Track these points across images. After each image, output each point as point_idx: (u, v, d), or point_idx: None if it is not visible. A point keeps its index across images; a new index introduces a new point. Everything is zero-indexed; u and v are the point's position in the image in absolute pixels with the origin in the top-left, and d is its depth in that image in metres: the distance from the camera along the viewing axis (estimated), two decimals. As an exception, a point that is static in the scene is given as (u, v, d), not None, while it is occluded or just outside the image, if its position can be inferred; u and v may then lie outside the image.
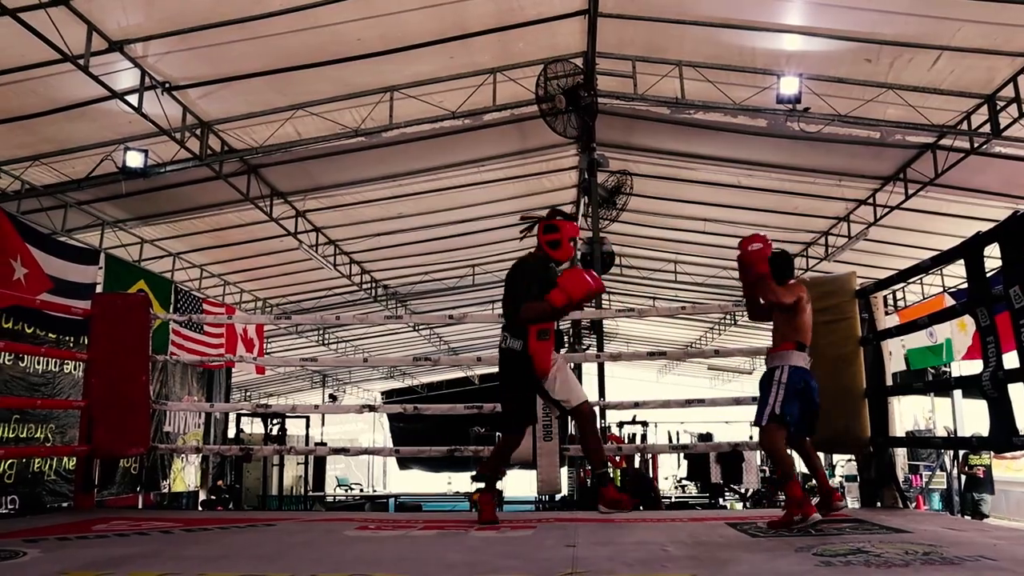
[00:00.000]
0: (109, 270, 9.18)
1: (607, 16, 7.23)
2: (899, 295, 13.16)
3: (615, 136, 9.36)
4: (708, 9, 6.89)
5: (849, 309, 4.29)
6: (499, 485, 4.69)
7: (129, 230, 10.23)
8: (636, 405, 5.72)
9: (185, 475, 12.05)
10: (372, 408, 6.45)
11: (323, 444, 15.95)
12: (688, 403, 5.29)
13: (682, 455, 13.64)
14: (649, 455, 11.08)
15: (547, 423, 4.54)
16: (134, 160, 7.61)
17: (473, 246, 12.93)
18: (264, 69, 7.11)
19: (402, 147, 8.94)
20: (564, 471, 10.01)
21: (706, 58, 7.52)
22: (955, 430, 11.23)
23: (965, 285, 7.26)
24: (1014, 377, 3.15)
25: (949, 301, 9.99)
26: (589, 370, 7.04)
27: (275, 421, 12.79)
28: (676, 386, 22.85)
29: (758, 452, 11.89)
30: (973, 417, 10.64)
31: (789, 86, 7.26)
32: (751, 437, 13.05)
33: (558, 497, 10.20)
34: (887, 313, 5.43)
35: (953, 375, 10.91)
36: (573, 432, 4.69)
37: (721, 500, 12.96)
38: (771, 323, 3.63)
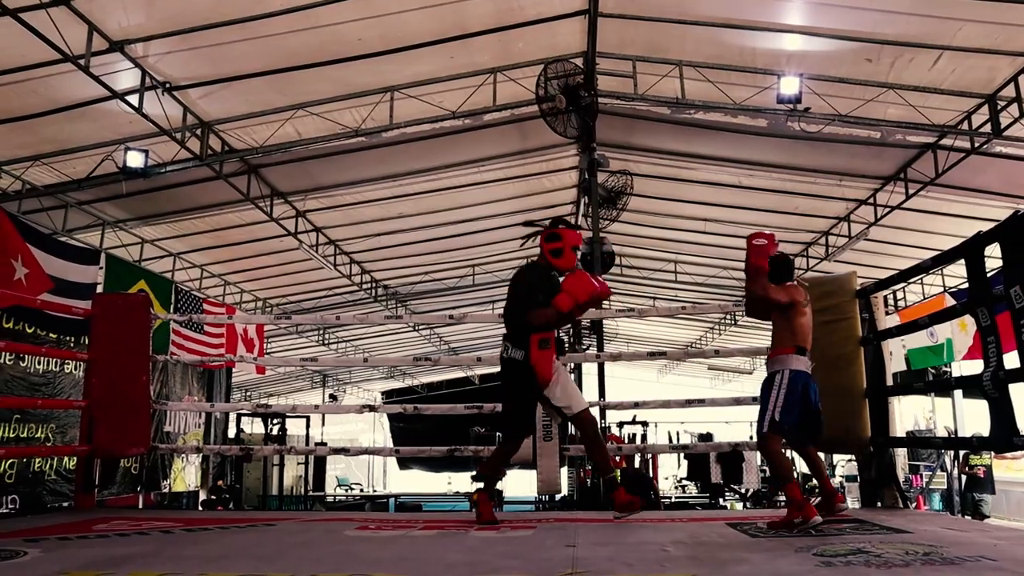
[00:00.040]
0: (110, 270, 9.19)
1: (607, 16, 7.23)
2: (899, 295, 13.15)
3: (615, 136, 9.36)
4: (709, 9, 6.89)
5: (849, 309, 4.29)
6: (499, 485, 4.70)
7: (129, 230, 10.23)
8: (636, 405, 5.71)
9: (185, 475, 12.06)
10: (372, 408, 6.45)
11: (323, 444, 15.94)
12: (688, 403, 5.29)
13: (682, 455, 13.64)
14: (649, 455, 11.07)
15: (547, 423, 4.54)
16: (134, 160, 7.61)
17: (473, 246, 12.94)
18: (264, 69, 7.11)
19: (402, 147, 8.94)
20: (564, 471, 10.01)
21: (706, 58, 7.52)
22: (955, 430, 11.23)
23: (966, 285, 7.27)
24: (1015, 377, 3.15)
25: (950, 301, 9.98)
26: (589, 370, 7.05)
27: (275, 421, 12.79)
28: (676, 386, 22.84)
29: (758, 452, 11.90)
30: (974, 417, 10.64)
31: (789, 86, 7.25)
32: (751, 437, 13.03)
33: (558, 497, 10.20)
34: (887, 313, 5.43)
35: (954, 375, 10.91)
36: (573, 433, 4.69)
37: (721, 500, 12.95)
38: (769, 323, 3.63)
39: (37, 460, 8.13)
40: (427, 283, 14.57)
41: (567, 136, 7.93)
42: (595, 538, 3.17)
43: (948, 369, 11.45)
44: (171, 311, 10.09)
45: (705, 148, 9.48)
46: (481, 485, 3.97)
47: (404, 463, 23.60)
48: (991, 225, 3.42)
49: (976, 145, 7.86)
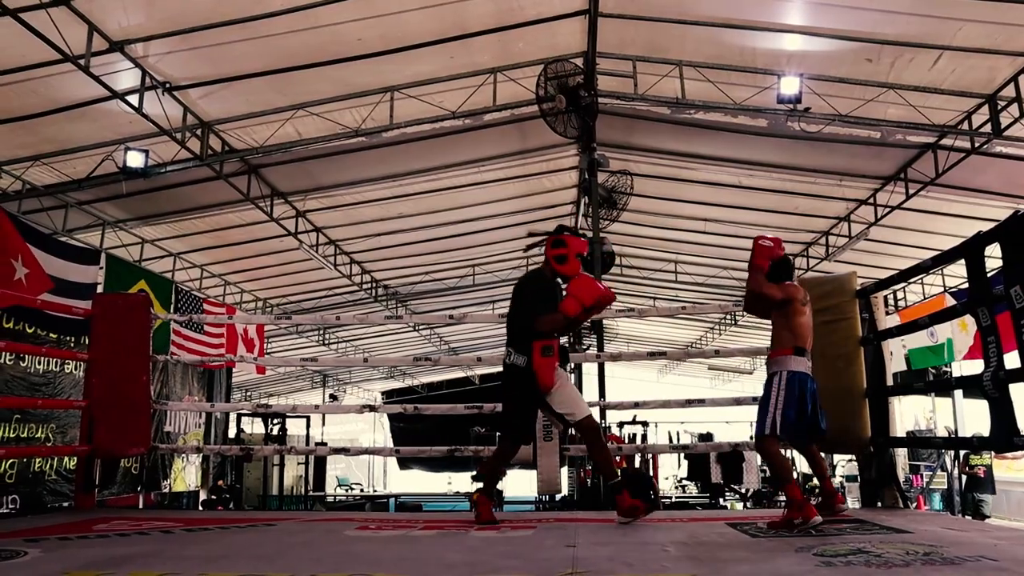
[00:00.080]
0: (110, 270, 9.19)
1: (607, 16, 7.23)
2: (900, 295, 13.15)
3: (615, 136, 9.36)
4: (709, 9, 6.89)
5: (850, 309, 4.29)
6: (499, 485, 4.69)
7: (130, 230, 10.23)
8: (636, 405, 5.71)
9: (186, 475, 12.06)
10: (372, 408, 6.45)
11: (323, 444, 15.95)
12: (688, 403, 5.29)
13: (682, 455, 13.64)
14: (649, 455, 11.07)
15: (547, 423, 4.54)
16: (135, 160, 7.61)
17: (473, 246, 12.94)
18: (265, 69, 7.11)
19: (402, 147, 8.94)
20: (564, 471, 10.00)
21: (707, 58, 7.52)
22: (956, 430, 11.23)
23: (966, 285, 7.27)
24: (1015, 377, 3.15)
25: (950, 301, 9.98)
26: (589, 370, 7.04)
27: (275, 421, 12.79)
28: (676, 386, 22.85)
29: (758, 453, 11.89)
30: (974, 417, 10.64)
31: (790, 86, 7.25)
32: (751, 437, 13.00)
33: (558, 497, 10.20)
34: (888, 313, 5.43)
35: (954, 375, 10.91)
36: (573, 433, 4.69)
37: (721, 500, 12.96)
38: (768, 323, 3.63)
39: (37, 460, 8.13)
40: (427, 283, 14.57)
41: (567, 136, 7.92)
42: (595, 538, 3.17)
43: (948, 369, 11.45)
44: (171, 311, 10.10)
45: (705, 148, 9.48)
46: (481, 485, 3.98)
47: (404, 463, 23.60)
48: (991, 225, 3.42)
49: (976, 145, 7.86)
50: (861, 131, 8.27)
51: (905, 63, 7.02)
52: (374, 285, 14.28)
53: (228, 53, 6.72)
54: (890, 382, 4.37)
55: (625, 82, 7.83)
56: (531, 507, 11.10)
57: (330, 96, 7.75)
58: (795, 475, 3.70)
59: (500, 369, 3.89)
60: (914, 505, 9.42)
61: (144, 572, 2.50)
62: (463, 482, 18.09)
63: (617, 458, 8.53)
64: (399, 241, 12.25)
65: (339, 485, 19.85)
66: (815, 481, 11.59)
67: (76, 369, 8.37)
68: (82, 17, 5.90)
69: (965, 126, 7.66)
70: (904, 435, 6.03)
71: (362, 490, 20.59)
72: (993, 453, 9.53)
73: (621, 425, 13.47)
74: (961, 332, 10.43)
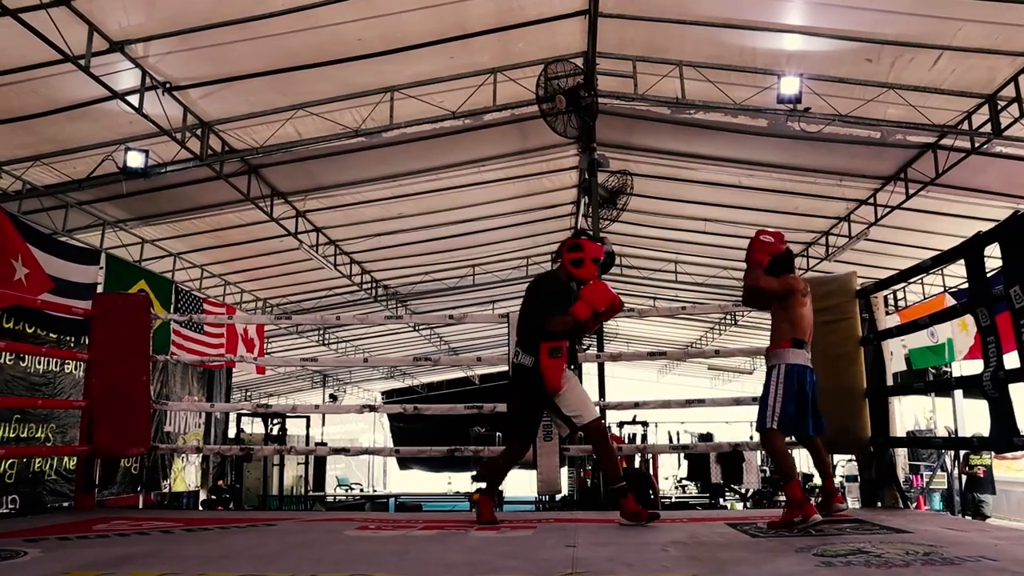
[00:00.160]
0: (110, 270, 9.19)
1: (607, 16, 7.23)
2: (900, 295, 13.15)
3: (615, 136, 9.36)
4: (709, 9, 6.89)
5: (849, 309, 4.29)
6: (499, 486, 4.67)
7: (130, 230, 10.24)
8: (636, 405, 5.72)
9: (185, 475, 12.06)
10: (372, 408, 6.45)
11: (323, 444, 15.95)
12: (688, 403, 5.29)
13: (682, 455, 13.64)
14: (649, 455, 11.07)
15: (547, 423, 4.54)
16: (135, 160, 7.61)
17: (473, 246, 12.94)
18: (265, 69, 7.11)
19: (402, 147, 8.94)
20: (564, 471, 10.00)
21: (706, 58, 7.51)
22: (956, 430, 11.22)
23: (966, 285, 7.26)
24: (1015, 377, 3.15)
25: (950, 301, 9.98)
26: (589, 370, 7.03)
27: (275, 421, 12.79)
28: (676, 386, 22.85)
29: (758, 452, 11.90)
30: (974, 417, 10.63)
31: (790, 86, 7.25)
32: (751, 437, 13.02)
33: (558, 497, 10.21)
34: (888, 313, 5.43)
35: (954, 375, 10.91)
36: (580, 435, 4.69)
37: (721, 500, 12.96)
38: (767, 318, 3.62)
39: (37, 460, 8.13)
40: (427, 283, 14.57)
41: (567, 136, 7.93)
42: (595, 538, 3.17)
43: (948, 369, 11.45)
44: (171, 311, 10.10)
45: (705, 148, 9.48)
46: (482, 485, 3.97)
47: (404, 463, 23.60)
48: (991, 225, 3.42)
49: (976, 145, 7.86)
50: (861, 131, 8.27)
51: (905, 63, 7.02)
52: (374, 285, 14.28)
53: (228, 53, 6.72)
54: (890, 382, 4.37)
55: (625, 82, 7.83)
56: (531, 507, 11.10)
57: (330, 96, 7.75)
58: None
59: (500, 369, 3.89)
60: (914, 505, 9.42)
61: (144, 572, 2.50)
62: (463, 482, 18.09)
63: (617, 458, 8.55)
64: (399, 241, 12.25)
65: (339, 485, 19.85)
66: (815, 481, 11.63)
67: (76, 369, 8.37)
68: (82, 17, 5.90)
69: (965, 126, 7.66)
70: (904, 435, 6.03)
71: (362, 490, 20.59)
72: (993, 453, 9.53)
73: (621, 425, 13.48)
74: (961, 332, 10.43)
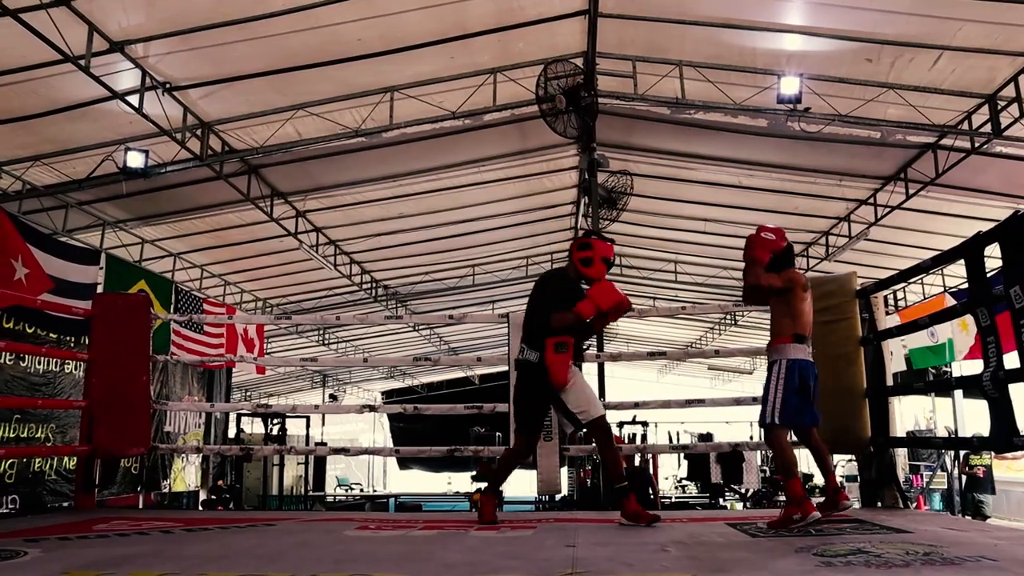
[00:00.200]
0: (110, 270, 9.19)
1: (607, 16, 7.23)
2: (900, 295, 13.15)
3: (615, 136, 9.36)
4: (708, 9, 6.89)
5: (849, 309, 4.29)
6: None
7: (130, 230, 10.24)
8: (636, 405, 5.72)
9: (185, 475, 12.06)
10: (372, 408, 6.45)
11: (323, 444, 15.96)
12: (688, 403, 5.29)
13: (682, 455, 13.65)
14: (649, 455, 11.07)
15: (547, 423, 4.54)
16: (135, 160, 7.61)
17: (473, 246, 12.94)
18: (265, 69, 7.11)
19: (402, 147, 8.94)
20: (564, 471, 10.00)
21: (706, 58, 7.51)
22: (956, 430, 11.23)
23: (966, 285, 7.27)
24: (1014, 377, 3.15)
25: (950, 301, 9.98)
26: (589, 370, 7.03)
27: (275, 421, 12.80)
28: (676, 386, 22.85)
29: (758, 452, 11.91)
30: (974, 417, 10.64)
31: (789, 86, 7.25)
32: (751, 437, 13.03)
33: (558, 497, 10.21)
34: (888, 313, 5.43)
35: (954, 375, 10.91)
36: (583, 433, 4.69)
37: (721, 500, 12.96)
38: (767, 318, 3.62)
39: (37, 460, 8.13)
40: (427, 283, 14.57)
41: (567, 136, 7.93)
42: (595, 538, 3.17)
43: (948, 369, 11.45)
44: (171, 311, 10.10)
45: (705, 148, 9.48)
46: (483, 485, 3.97)
47: (404, 463, 23.61)
48: (991, 225, 3.42)
49: (976, 145, 7.86)
50: (861, 131, 8.27)
51: (905, 63, 7.02)
52: (374, 285, 14.28)
53: (228, 53, 6.72)
54: (890, 382, 4.37)
55: (625, 82, 7.83)
56: (531, 507, 11.10)
57: (330, 96, 7.75)
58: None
59: (500, 369, 3.88)
60: (914, 505, 9.42)
61: (144, 572, 2.50)
62: (463, 482, 18.10)
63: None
64: (399, 241, 12.25)
65: (339, 485, 19.85)
66: (815, 480, 11.62)
67: (76, 369, 8.37)
68: (82, 17, 5.90)
69: (965, 126, 7.66)
70: (904, 435, 6.03)
71: (362, 490, 20.59)
72: (993, 453, 9.53)
73: (621, 425, 13.48)
74: (962, 332, 10.43)
